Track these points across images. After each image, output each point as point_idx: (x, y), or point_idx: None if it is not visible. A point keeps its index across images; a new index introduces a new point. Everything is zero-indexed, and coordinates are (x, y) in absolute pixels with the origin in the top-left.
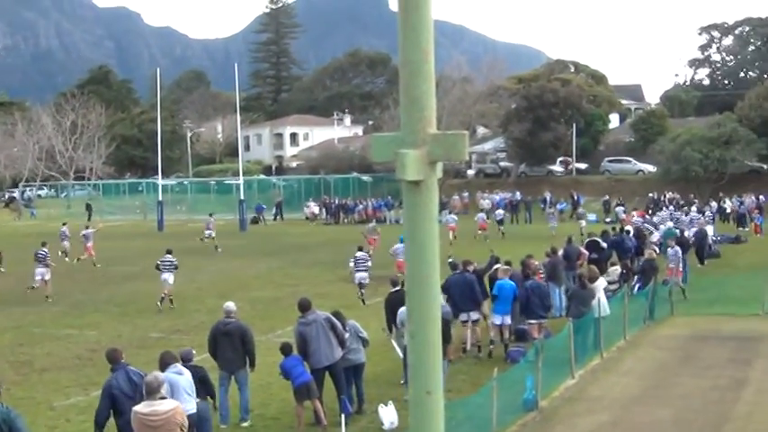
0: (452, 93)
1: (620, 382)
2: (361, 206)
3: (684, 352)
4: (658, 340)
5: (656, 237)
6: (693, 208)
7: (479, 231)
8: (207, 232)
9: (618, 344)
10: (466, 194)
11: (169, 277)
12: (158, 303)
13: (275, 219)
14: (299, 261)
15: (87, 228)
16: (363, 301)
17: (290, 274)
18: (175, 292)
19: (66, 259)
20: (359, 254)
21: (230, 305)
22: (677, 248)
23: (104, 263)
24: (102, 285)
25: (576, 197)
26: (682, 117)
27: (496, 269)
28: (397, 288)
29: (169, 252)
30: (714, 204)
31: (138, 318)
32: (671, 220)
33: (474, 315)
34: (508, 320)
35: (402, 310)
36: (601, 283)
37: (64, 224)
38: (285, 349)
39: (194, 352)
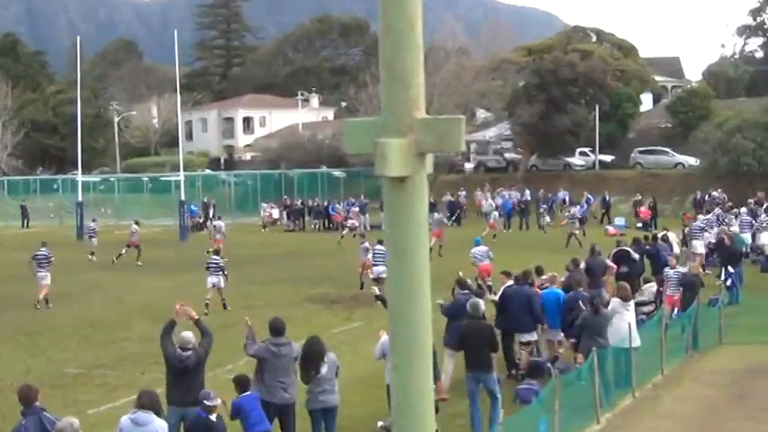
0: (445, 67)
1: (658, 427)
2: (332, 208)
3: (737, 389)
4: (704, 375)
5: (700, 247)
6: (743, 210)
7: (488, 231)
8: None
9: (654, 380)
10: (462, 194)
11: (45, 276)
12: (36, 305)
13: (202, 227)
14: (254, 277)
15: None
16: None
17: (244, 294)
18: (98, 318)
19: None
20: (379, 247)
21: (188, 336)
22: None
23: (7, 280)
24: (5, 309)
25: (586, 198)
26: (730, 97)
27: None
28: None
29: (44, 245)
30: None
31: (52, 349)
32: (718, 224)
33: (529, 336)
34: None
35: (384, 339)
36: (630, 304)
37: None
38: (241, 383)
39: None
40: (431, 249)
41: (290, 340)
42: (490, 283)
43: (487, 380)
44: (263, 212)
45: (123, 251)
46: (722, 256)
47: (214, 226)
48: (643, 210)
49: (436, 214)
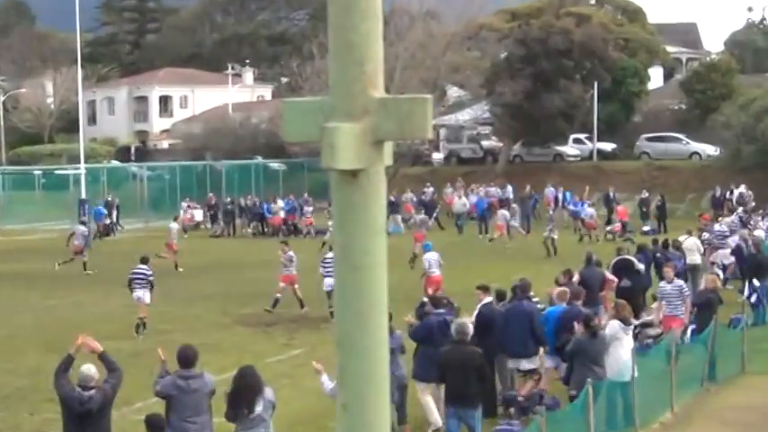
0: (410, 35)
1: None
2: (269, 208)
3: (762, 430)
4: (723, 412)
5: (720, 255)
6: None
7: (497, 235)
8: None
9: (662, 418)
10: (430, 190)
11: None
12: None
13: (109, 232)
14: (172, 294)
15: None
16: (332, 314)
17: (159, 315)
18: None
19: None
20: (330, 255)
21: (90, 372)
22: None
23: None
24: None
25: (559, 194)
26: (758, 72)
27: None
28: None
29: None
30: None
31: None
32: (741, 227)
33: (530, 363)
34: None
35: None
36: (631, 327)
37: None
38: (153, 424)
39: None
40: (414, 257)
41: (203, 372)
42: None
43: (471, 416)
44: (183, 214)
45: (71, 258)
46: (746, 267)
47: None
48: (621, 208)
49: (419, 215)
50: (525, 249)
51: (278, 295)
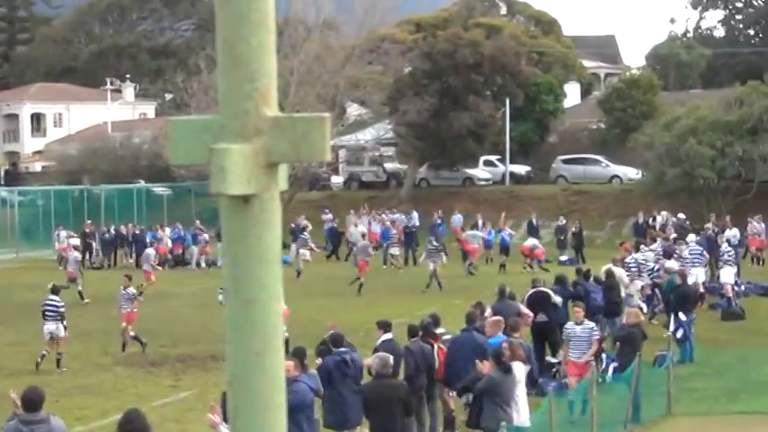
0: (306, 48)
1: None
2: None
3: None
4: None
5: (638, 286)
6: (692, 237)
7: (470, 261)
8: None
9: None
10: (328, 217)
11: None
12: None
13: None
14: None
15: None
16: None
17: (31, 354)
18: None
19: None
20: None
21: None
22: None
23: None
24: None
25: (436, 221)
26: (682, 89)
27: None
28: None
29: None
30: (733, 232)
31: None
32: (665, 255)
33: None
34: None
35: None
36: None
37: None
38: None
39: None
40: (360, 286)
41: (49, 415)
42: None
43: None
44: (57, 243)
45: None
46: (672, 300)
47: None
48: (526, 245)
49: (362, 241)
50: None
51: (132, 333)
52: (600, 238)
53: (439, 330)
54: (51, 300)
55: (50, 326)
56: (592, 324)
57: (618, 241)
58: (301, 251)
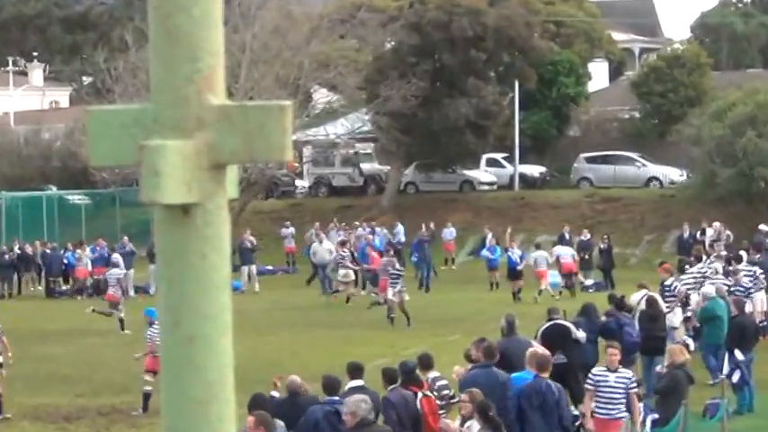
0: (261, 19)
1: None
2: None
3: None
4: None
5: (680, 316)
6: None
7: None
8: None
9: None
10: (289, 230)
11: None
12: None
13: None
14: None
15: None
16: None
17: None
18: None
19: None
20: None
21: None
22: None
23: None
24: None
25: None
26: (736, 68)
27: None
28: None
29: None
30: None
31: None
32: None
33: None
34: None
35: None
36: None
37: None
38: None
39: None
40: (390, 313)
41: None
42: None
43: None
44: None
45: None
46: (726, 335)
47: None
48: (566, 257)
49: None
50: (422, 312)
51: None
52: (634, 257)
53: (432, 374)
54: None
55: None
56: (629, 373)
57: (657, 261)
58: (342, 272)
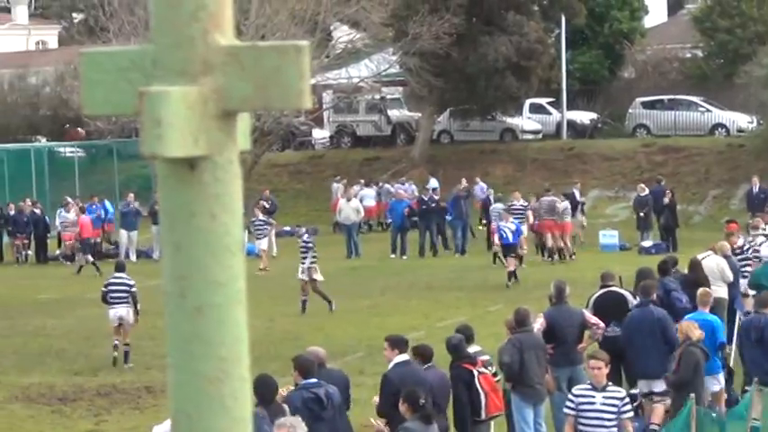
0: None
1: None
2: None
3: None
4: None
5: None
6: None
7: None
8: None
9: None
10: (338, 185)
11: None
12: None
13: None
14: None
15: None
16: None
17: None
18: None
19: None
20: None
21: None
22: None
23: None
24: None
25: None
26: None
27: None
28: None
29: None
30: None
31: None
32: None
33: (659, 386)
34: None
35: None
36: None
37: None
38: None
39: None
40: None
41: None
42: None
43: None
44: None
45: None
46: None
47: None
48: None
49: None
50: (459, 278)
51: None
52: (698, 215)
53: (473, 349)
54: (117, 279)
55: (120, 310)
56: (620, 392)
57: (724, 219)
58: None
